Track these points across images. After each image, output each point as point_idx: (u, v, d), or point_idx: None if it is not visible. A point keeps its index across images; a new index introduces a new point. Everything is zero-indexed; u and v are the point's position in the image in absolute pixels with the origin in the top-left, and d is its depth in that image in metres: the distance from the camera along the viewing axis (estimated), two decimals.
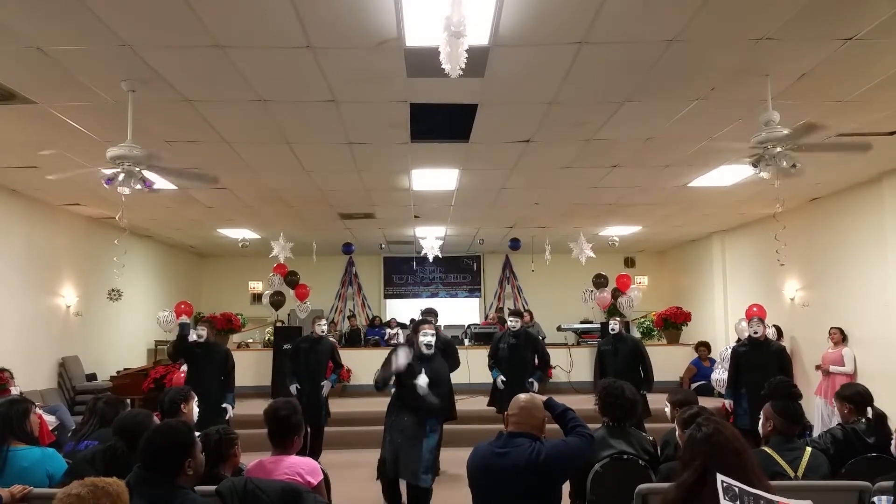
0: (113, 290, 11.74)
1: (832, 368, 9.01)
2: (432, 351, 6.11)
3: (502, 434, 3.24)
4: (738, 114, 6.18)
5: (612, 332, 8.38)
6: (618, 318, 8.73)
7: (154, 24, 4.37)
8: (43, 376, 9.91)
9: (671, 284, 16.19)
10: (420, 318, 7.74)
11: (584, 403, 8.38)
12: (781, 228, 6.33)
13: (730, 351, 9.65)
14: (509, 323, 8.39)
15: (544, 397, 3.38)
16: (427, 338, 6.08)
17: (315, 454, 7.40)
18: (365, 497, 6.66)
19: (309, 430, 7.30)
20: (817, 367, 9.30)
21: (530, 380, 8.04)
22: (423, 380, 5.76)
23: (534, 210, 10.94)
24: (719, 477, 2.14)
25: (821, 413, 8.98)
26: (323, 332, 7.93)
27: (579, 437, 3.21)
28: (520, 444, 3.11)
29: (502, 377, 8.12)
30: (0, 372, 7.98)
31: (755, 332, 7.45)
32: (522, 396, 3.33)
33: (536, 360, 8.33)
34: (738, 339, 7.81)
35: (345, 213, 11.18)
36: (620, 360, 8.05)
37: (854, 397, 4.30)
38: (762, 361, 7.21)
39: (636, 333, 13.01)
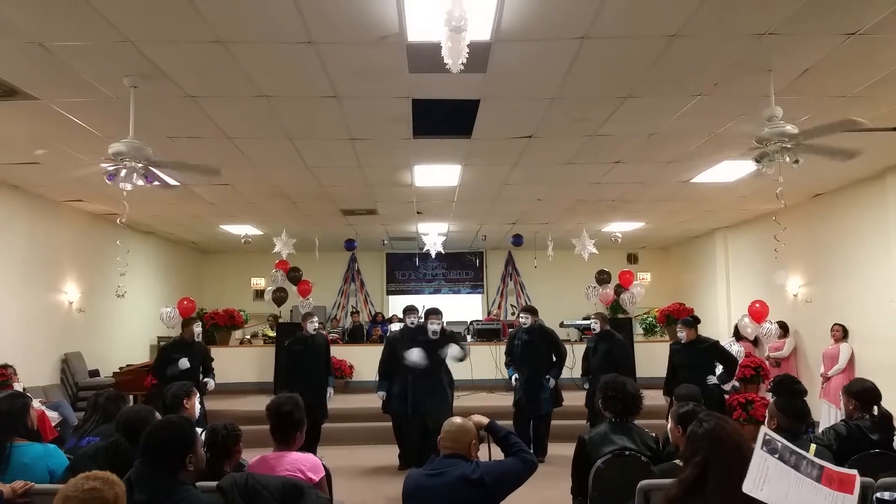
0: (119, 287, 11.72)
1: (830, 372, 9.01)
2: (437, 337, 7.23)
3: (434, 458, 3.26)
4: (741, 109, 6.16)
5: (592, 331, 8.30)
6: (599, 316, 8.52)
7: (156, 19, 4.36)
8: (46, 372, 9.93)
9: (674, 280, 16.17)
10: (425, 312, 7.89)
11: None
12: (783, 230, 6.29)
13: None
14: (521, 320, 8.27)
15: (486, 420, 3.36)
16: (434, 326, 7.27)
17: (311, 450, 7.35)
18: (366, 493, 6.67)
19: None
20: (822, 376, 9.24)
21: (546, 377, 7.95)
22: (415, 354, 7.00)
23: (536, 206, 10.93)
24: (763, 429, 2.10)
25: (828, 414, 8.94)
26: (315, 329, 7.89)
27: (519, 459, 3.20)
28: (454, 465, 3.13)
29: (517, 375, 8.00)
30: (3, 368, 8.00)
31: (680, 339, 7.53)
32: (451, 420, 3.32)
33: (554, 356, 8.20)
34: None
35: (347, 209, 11.17)
36: (598, 358, 8.02)
37: (860, 394, 4.24)
38: (693, 360, 7.30)
39: (639, 329, 12.99)
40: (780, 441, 2.04)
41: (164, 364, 7.66)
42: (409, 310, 7.82)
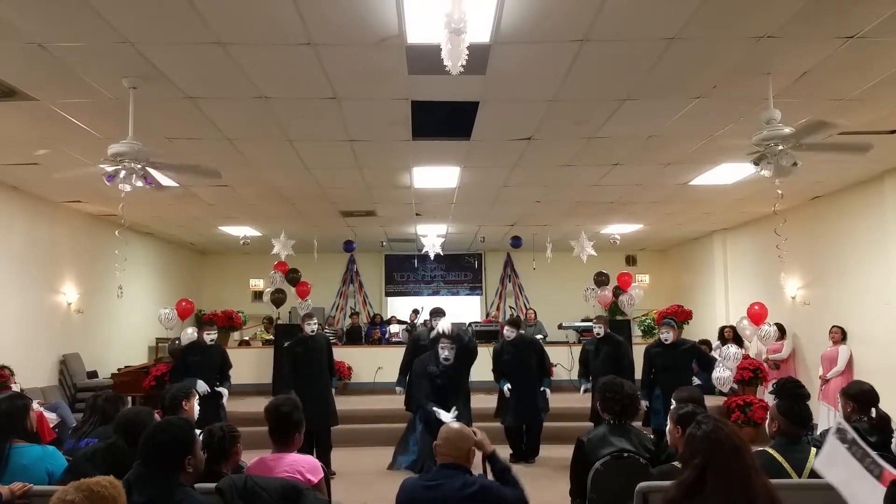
0: (119, 288, 11.72)
1: (829, 375, 9.02)
2: (450, 363, 6.96)
3: (432, 467, 3.17)
4: (739, 112, 6.18)
5: (596, 336, 8.20)
6: (601, 319, 8.37)
7: (155, 20, 4.37)
8: (44, 373, 9.92)
9: (672, 283, 16.18)
10: (429, 314, 7.95)
11: (584, 401, 8.39)
12: (784, 240, 6.31)
13: (721, 350, 9.64)
14: (506, 333, 8.26)
15: (490, 449, 3.25)
16: (445, 352, 6.93)
17: (324, 457, 7.13)
18: (366, 495, 6.67)
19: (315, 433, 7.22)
20: (821, 378, 9.24)
21: (542, 388, 8.02)
22: (447, 416, 6.52)
23: (535, 208, 10.94)
24: (839, 419, 2.15)
25: (827, 416, 8.93)
26: (313, 331, 7.87)
27: (518, 490, 3.12)
28: (452, 476, 3.01)
29: (509, 385, 8.02)
30: (0, 369, 7.99)
31: (665, 340, 7.49)
32: (450, 426, 3.24)
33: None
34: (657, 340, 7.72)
35: (346, 211, 11.17)
36: (601, 361, 7.96)
37: (858, 396, 4.26)
38: (673, 363, 7.33)
39: (637, 332, 12.98)
40: (852, 433, 2.11)
41: (180, 366, 7.64)
42: (437, 312, 7.99)
